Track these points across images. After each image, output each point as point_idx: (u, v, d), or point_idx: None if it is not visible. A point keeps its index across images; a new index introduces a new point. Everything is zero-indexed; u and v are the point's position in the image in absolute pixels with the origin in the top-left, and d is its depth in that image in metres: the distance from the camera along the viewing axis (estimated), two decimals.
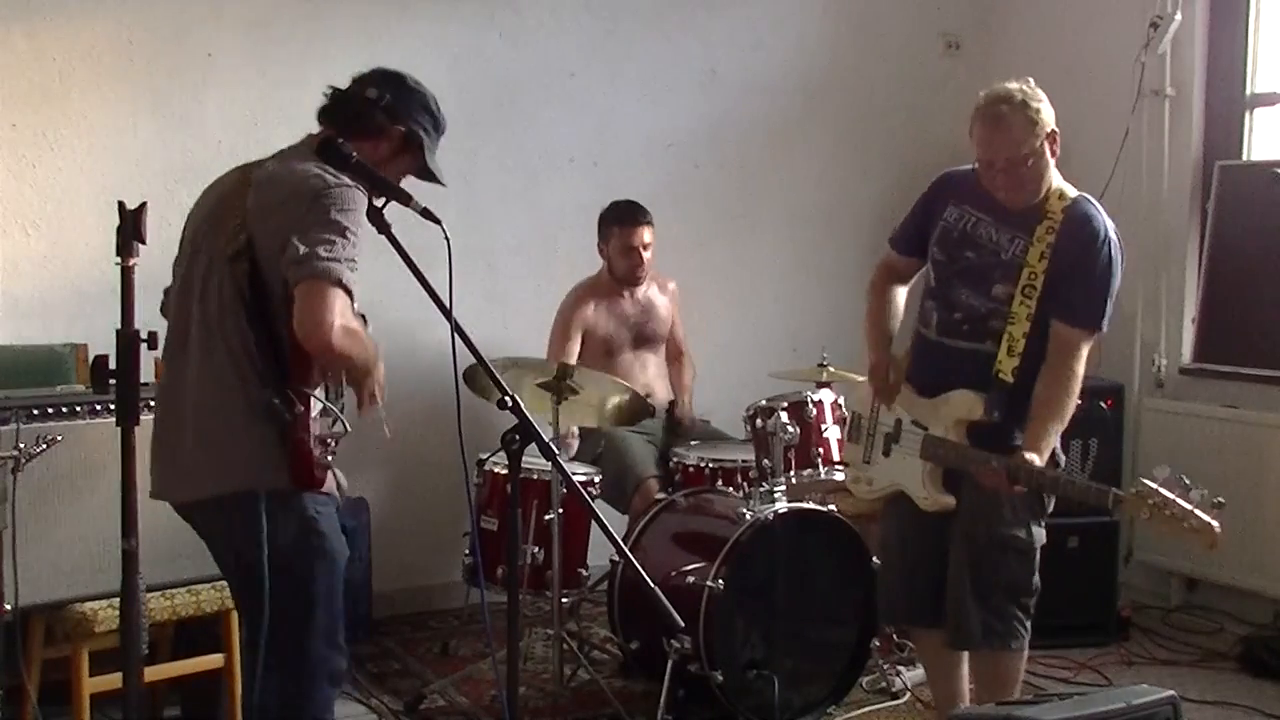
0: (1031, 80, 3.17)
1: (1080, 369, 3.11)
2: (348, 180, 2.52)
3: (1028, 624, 3.22)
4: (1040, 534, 3.23)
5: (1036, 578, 3.23)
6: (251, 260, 2.53)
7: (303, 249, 2.44)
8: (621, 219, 4.55)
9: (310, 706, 2.66)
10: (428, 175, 2.80)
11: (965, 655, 3.34)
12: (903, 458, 3.27)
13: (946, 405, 3.18)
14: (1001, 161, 3.08)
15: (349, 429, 2.65)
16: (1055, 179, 3.15)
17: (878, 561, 3.75)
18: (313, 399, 2.56)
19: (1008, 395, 3.11)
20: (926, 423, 3.22)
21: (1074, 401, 3.10)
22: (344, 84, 2.76)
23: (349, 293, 2.46)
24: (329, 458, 2.62)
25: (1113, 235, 3.13)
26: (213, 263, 2.60)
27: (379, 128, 2.70)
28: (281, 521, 2.56)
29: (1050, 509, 3.25)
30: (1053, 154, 3.12)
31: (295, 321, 2.45)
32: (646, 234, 4.55)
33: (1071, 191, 3.17)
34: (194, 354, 2.60)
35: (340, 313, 2.44)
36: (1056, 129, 3.12)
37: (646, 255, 4.57)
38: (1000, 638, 3.19)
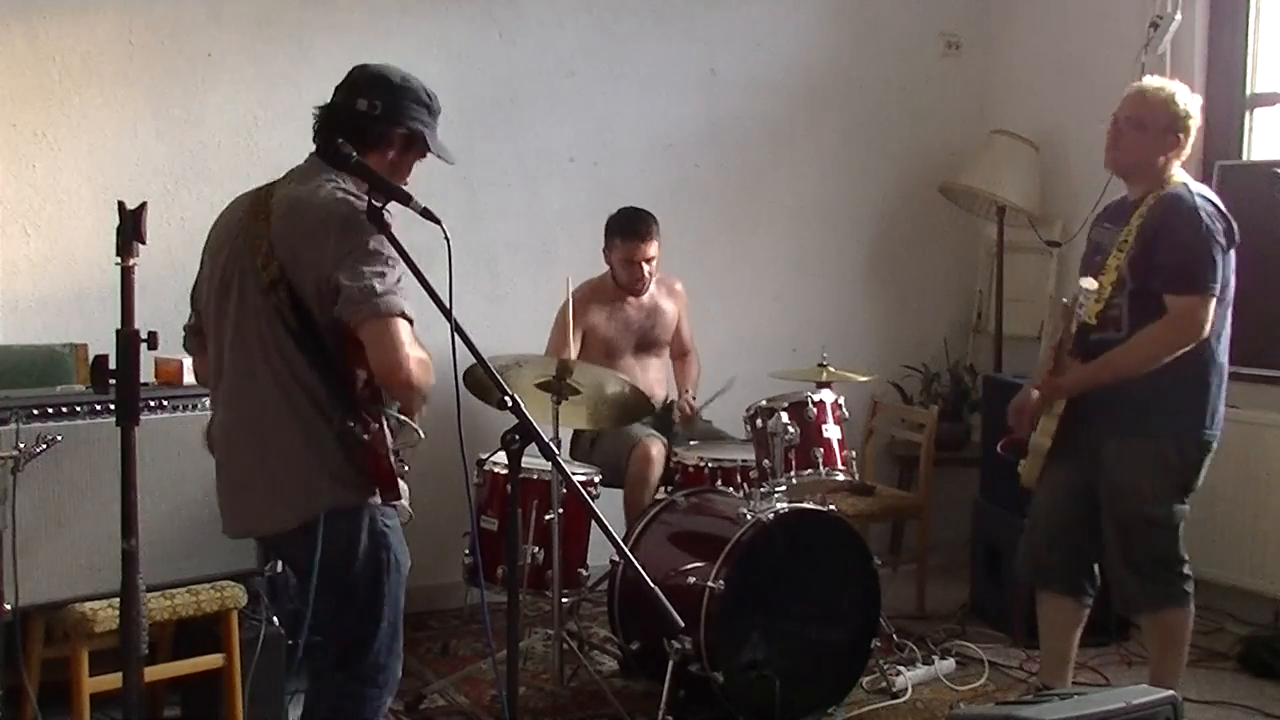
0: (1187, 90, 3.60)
1: (1171, 331, 3.41)
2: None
3: (1186, 584, 3.57)
4: (1183, 510, 3.54)
5: (1180, 547, 3.55)
6: (288, 287, 2.54)
7: (357, 288, 2.44)
8: (625, 232, 4.53)
9: (364, 711, 2.71)
10: (436, 153, 2.76)
11: (1080, 622, 3.73)
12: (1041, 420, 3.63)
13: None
14: (1123, 116, 3.56)
15: (423, 436, 2.69)
16: (1177, 175, 3.54)
17: (878, 561, 3.88)
18: (384, 415, 2.60)
19: (1085, 338, 3.49)
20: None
21: (1146, 353, 3.42)
22: (330, 97, 2.74)
23: (410, 320, 2.48)
24: (406, 468, 2.68)
25: (1201, 205, 3.46)
26: (245, 297, 2.60)
27: (380, 135, 2.68)
28: (352, 537, 2.61)
29: (1196, 486, 3.56)
30: (1173, 147, 3.51)
31: (373, 364, 2.47)
32: (650, 248, 4.53)
33: (1182, 180, 3.54)
34: (244, 389, 2.62)
35: (411, 345, 2.47)
36: (1186, 132, 3.53)
37: (649, 268, 4.55)
38: (1156, 600, 3.56)
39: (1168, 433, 3.49)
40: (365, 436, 2.55)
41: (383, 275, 2.46)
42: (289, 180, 2.68)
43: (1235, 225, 3.52)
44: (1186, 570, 3.58)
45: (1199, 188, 3.57)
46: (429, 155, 2.76)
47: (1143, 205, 3.51)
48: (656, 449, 4.33)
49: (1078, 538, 3.63)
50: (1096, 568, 3.69)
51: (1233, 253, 3.53)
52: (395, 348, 2.44)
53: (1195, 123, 3.55)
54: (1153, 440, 3.49)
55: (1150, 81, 3.61)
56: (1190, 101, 3.55)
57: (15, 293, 4.05)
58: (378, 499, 2.63)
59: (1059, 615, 3.73)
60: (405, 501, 2.71)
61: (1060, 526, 3.64)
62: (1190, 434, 3.50)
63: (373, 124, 2.67)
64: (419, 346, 2.52)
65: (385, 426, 2.60)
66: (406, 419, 2.66)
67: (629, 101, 5.11)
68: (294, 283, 2.54)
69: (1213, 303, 3.42)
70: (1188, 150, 3.57)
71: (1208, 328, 3.42)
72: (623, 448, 4.35)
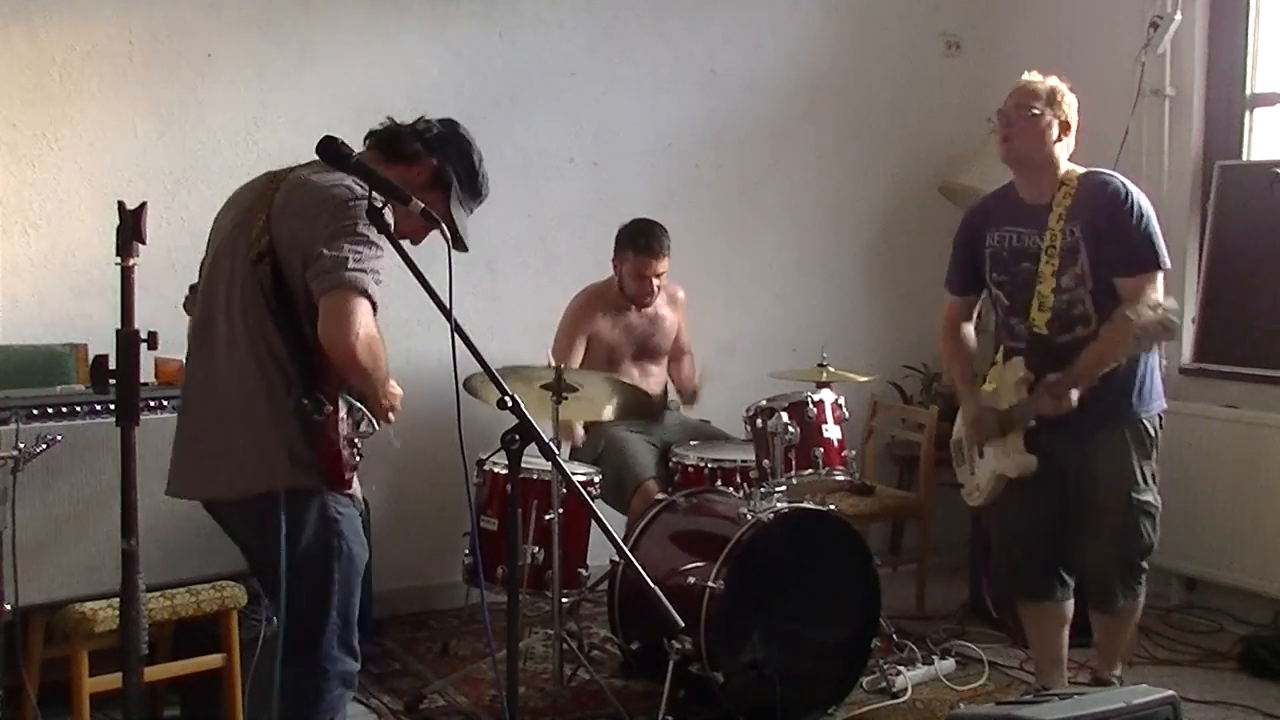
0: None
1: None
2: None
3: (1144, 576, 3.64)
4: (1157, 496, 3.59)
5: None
6: (274, 263, 2.56)
7: (330, 258, 2.46)
8: (638, 247, 4.50)
9: (320, 704, 2.68)
10: (450, 227, 2.68)
11: (1066, 620, 3.74)
12: (991, 448, 3.65)
13: (1003, 377, 3.62)
14: (1011, 106, 3.53)
15: (377, 428, 2.68)
16: (1066, 167, 3.53)
17: (878, 561, 3.88)
18: (341, 400, 2.59)
19: (1045, 346, 3.50)
20: (998, 404, 3.61)
21: (1124, 344, 3.35)
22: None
23: (374, 304, 2.49)
24: (357, 458, 2.65)
25: (1134, 189, 3.47)
26: (235, 264, 2.62)
27: (413, 154, 2.73)
28: (303, 520, 2.58)
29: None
30: (1060, 138, 3.50)
31: (320, 330, 2.47)
32: (662, 265, 4.52)
33: (1084, 169, 3.53)
34: (220, 354, 2.63)
35: (365, 324, 2.47)
36: (1072, 122, 3.52)
37: (659, 282, 4.55)
38: (1134, 595, 3.63)
39: (1142, 414, 3.54)
40: (317, 417, 2.53)
41: (359, 254, 2.47)
42: (307, 166, 2.69)
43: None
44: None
45: (1112, 173, 3.60)
46: (445, 222, 2.71)
47: (1064, 186, 3.49)
48: (656, 489, 4.31)
49: (1053, 547, 3.67)
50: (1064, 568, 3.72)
51: None
52: (344, 321, 2.45)
53: (1071, 102, 3.54)
54: (1130, 425, 3.53)
55: (1036, 76, 3.59)
56: (1068, 95, 3.56)
57: (15, 293, 4.05)
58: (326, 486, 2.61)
59: (1047, 621, 3.76)
60: (357, 493, 2.70)
61: (1035, 539, 3.67)
62: (1157, 410, 3.58)
63: (413, 139, 2.73)
64: (377, 332, 2.51)
65: (343, 412, 2.59)
66: (364, 409, 2.65)
67: (629, 101, 5.11)
68: (280, 258, 2.56)
69: (1163, 277, 3.46)
70: (1071, 142, 3.56)
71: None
72: (626, 480, 4.33)
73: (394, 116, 2.84)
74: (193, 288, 2.83)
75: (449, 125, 2.83)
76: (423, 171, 2.74)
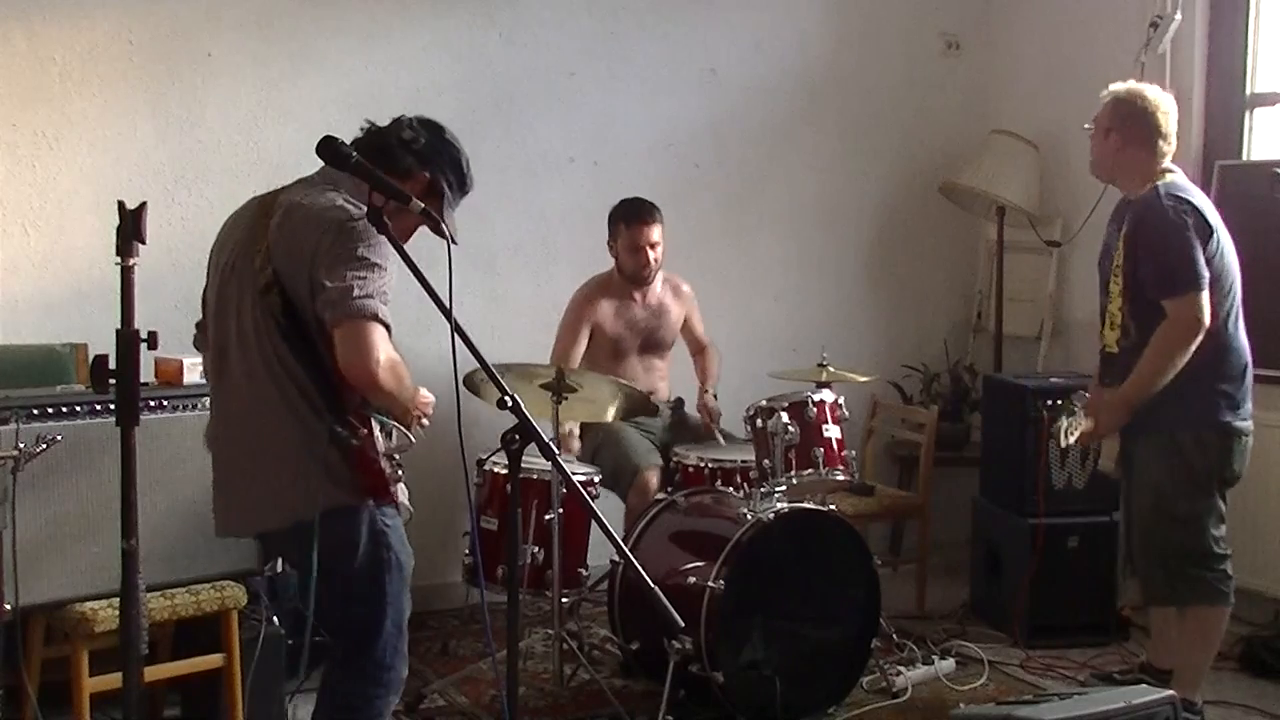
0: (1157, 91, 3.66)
1: (1174, 333, 3.45)
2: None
3: (1220, 581, 3.62)
4: (1210, 504, 3.60)
5: (1209, 540, 3.61)
6: (281, 291, 2.56)
7: (335, 290, 2.47)
8: (628, 217, 4.54)
9: (369, 710, 2.72)
10: (440, 228, 2.73)
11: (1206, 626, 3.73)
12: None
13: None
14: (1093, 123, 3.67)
15: (414, 440, 2.71)
16: (1162, 175, 3.57)
17: (878, 561, 3.90)
18: (373, 419, 2.61)
19: (1115, 364, 3.60)
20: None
21: (1160, 361, 3.47)
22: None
23: (387, 326, 2.50)
24: (399, 471, 2.68)
25: (1167, 203, 3.48)
26: (243, 297, 2.62)
27: (406, 169, 2.72)
28: (353, 536, 2.62)
29: (1232, 476, 3.64)
30: (1139, 146, 3.57)
31: (340, 361, 2.49)
32: (654, 232, 4.53)
33: (1165, 179, 3.56)
34: (240, 386, 2.64)
35: (384, 349, 2.49)
36: (1149, 129, 3.58)
37: (654, 254, 4.55)
38: (1182, 593, 3.65)
39: (1181, 422, 3.53)
40: (354, 441, 2.56)
41: (364, 279, 2.48)
42: (296, 187, 2.69)
43: (1208, 215, 3.53)
44: (1222, 566, 3.61)
45: (1172, 185, 3.57)
46: (435, 227, 2.76)
47: (1133, 205, 3.58)
48: (655, 480, 4.33)
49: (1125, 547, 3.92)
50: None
51: (1221, 239, 3.55)
52: (362, 351, 2.47)
53: (1167, 119, 3.57)
54: (1167, 433, 3.54)
55: (1118, 85, 3.67)
56: (1159, 98, 3.59)
57: (15, 292, 4.04)
58: (372, 501, 2.64)
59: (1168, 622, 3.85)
60: (404, 500, 2.72)
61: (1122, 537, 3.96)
62: (1205, 421, 3.53)
63: (406, 154, 2.72)
64: (395, 354, 2.54)
65: (375, 431, 2.62)
66: (396, 424, 2.67)
67: (629, 101, 5.11)
68: (287, 286, 2.56)
69: (1204, 295, 3.44)
70: (1168, 147, 3.58)
71: (1206, 319, 3.45)
72: (623, 471, 4.34)
73: (373, 119, 2.80)
74: (199, 325, 2.83)
75: (435, 132, 2.79)
76: (416, 185, 2.71)
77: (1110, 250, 3.63)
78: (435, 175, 2.75)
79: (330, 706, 2.76)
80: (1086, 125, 3.72)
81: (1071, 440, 3.67)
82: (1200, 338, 3.44)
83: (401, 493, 2.72)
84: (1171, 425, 3.53)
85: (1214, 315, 3.49)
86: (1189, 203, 3.50)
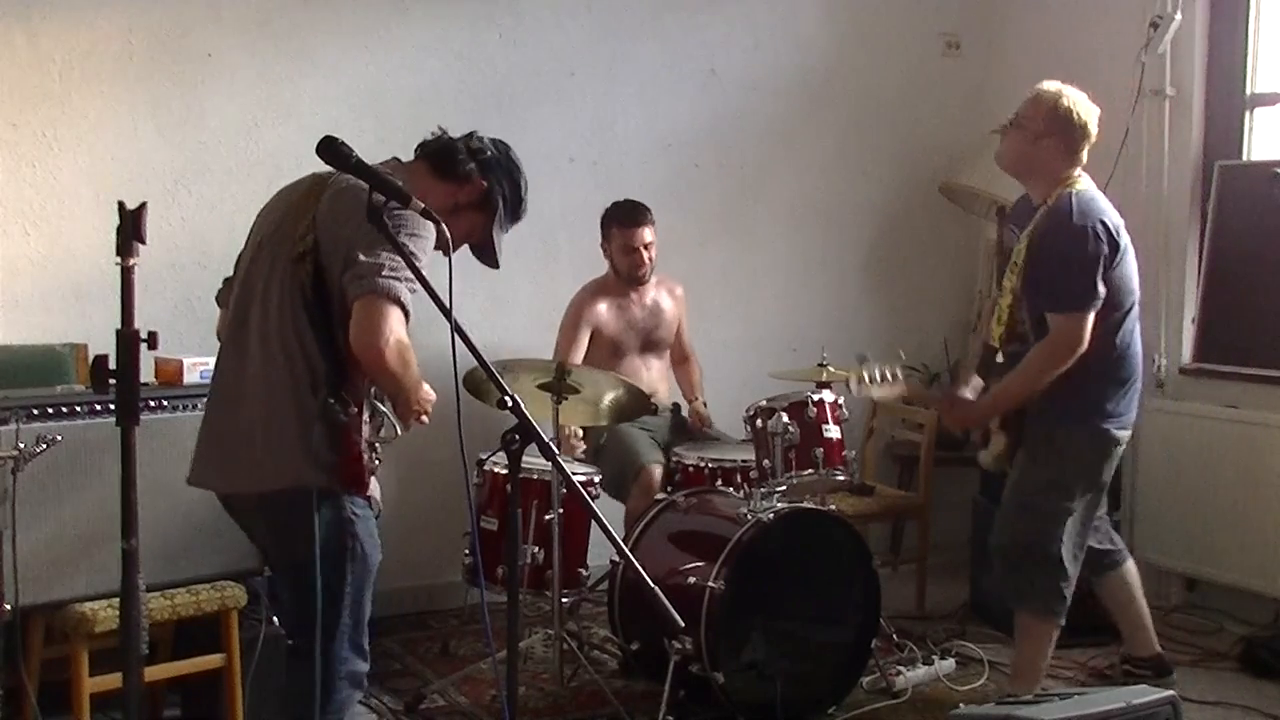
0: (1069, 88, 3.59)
1: (1052, 350, 3.47)
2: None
3: (1053, 598, 3.63)
4: (1065, 506, 3.59)
5: (1059, 549, 3.60)
6: (315, 263, 2.58)
7: (366, 265, 2.49)
8: (621, 219, 4.55)
9: (328, 704, 2.69)
10: (489, 251, 2.85)
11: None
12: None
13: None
14: (1009, 118, 3.61)
15: (398, 433, 2.71)
16: (1074, 181, 3.52)
17: (878, 561, 3.92)
18: (366, 403, 2.62)
19: (995, 360, 3.63)
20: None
21: (1032, 376, 3.51)
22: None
23: (406, 313, 2.51)
24: (376, 462, 2.67)
25: (1078, 218, 3.43)
26: (276, 262, 2.65)
27: (465, 174, 2.77)
28: (321, 519, 2.60)
29: (1100, 483, 3.66)
30: (1059, 151, 3.52)
31: (351, 334, 2.50)
32: (647, 234, 4.55)
33: (1077, 187, 3.50)
34: (254, 350, 2.65)
35: (396, 330, 2.50)
36: (1070, 135, 3.52)
37: (648, 255, 4.57)
38: (1017, 593, 3.74)
39: (1060, 421, 3.55)
40: (343, 417, 2.56)
41: (397, 263, 2.49)
42: None
43: (1117, 232, 3.50)
44: (1063, 583, 3.59)
45: (1084, 196, 3.52)
46: (484, 248, 2.87)
47: (1036, 215, 3.56)
48: (658, 477, 4.33)
49: None
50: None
51: (1127, 253, 3.53)
52: (374, 327, 2.48)
53: (1087, 127, 3.53)
54: (1045, 430, 3.57)
55: (1049, 86, 3.60)
56: (1082, 106, 3.53)
57: (15, 293, 4.04)
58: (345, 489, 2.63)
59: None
60: (377, 495, 2.72)
61: None
62: (1084, 423, 3.55)
63: (468, 159, 2.76)
64: (408, 340, 2.54)
65: (366, 415, 2.61)
66: (388, 414, 2.67)
67: (629, 101, 5.11)
68: (323, 259, 2.59)
69: (1089, 317, 3.44)
70: (1082, 156, 3.56)
71: (1085, 344, 3.45)
72: (626, 469, 4.34)
73: (446, 128, 2.86)
74: (227, 280, 2.84)
75: (502, 148, 2.86)
76: (472, 192, 2.78)
77: (1006, 248, 3.67)
78: (492, 187, 2.79)
79: (290, 701, 2.73)
80: (1006, 122, 3.65)
81: (864, 394, 3.71)
82: (1071, 361, 3.45)
83: (374, 487, 2.71)
84: (1051, 423, 3.56)
85: (1111, 325, 3.50)
86: (1102, 222, 3.47)
